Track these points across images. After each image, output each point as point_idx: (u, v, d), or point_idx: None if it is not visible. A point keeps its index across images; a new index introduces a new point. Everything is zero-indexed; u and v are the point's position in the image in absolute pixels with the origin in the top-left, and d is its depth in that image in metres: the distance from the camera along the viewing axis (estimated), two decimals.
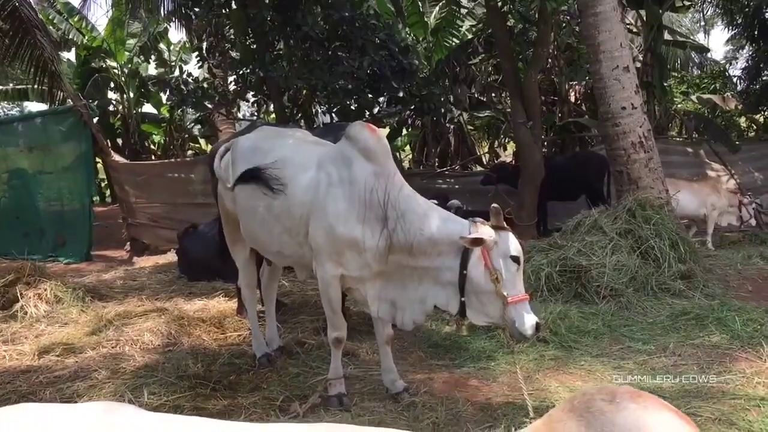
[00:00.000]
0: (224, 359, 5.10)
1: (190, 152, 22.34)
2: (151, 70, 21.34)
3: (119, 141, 20.64)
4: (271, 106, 11.58)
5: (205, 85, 10.55)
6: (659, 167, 7.71)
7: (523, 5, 11.12)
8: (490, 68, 14.86)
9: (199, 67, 11.81)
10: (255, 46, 10.22)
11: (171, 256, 9.82)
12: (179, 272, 8.37)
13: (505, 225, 3.78)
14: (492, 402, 4.19)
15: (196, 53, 11.28)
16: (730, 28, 16.15)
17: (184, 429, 1.29)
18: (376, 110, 10.84)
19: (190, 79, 10.07)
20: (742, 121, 17.35)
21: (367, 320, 4.92)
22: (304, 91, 10.68)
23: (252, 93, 10.97)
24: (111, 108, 20.80)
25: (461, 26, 15.26)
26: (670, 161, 10.95)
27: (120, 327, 5.96)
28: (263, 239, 4.50)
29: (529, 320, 3.66)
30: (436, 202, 5.24)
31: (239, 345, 5.56)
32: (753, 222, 9.60)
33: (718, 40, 68.57)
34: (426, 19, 15.36)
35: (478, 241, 3.64)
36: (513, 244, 3.72)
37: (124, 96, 20.06)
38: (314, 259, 4.09)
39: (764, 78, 14.80)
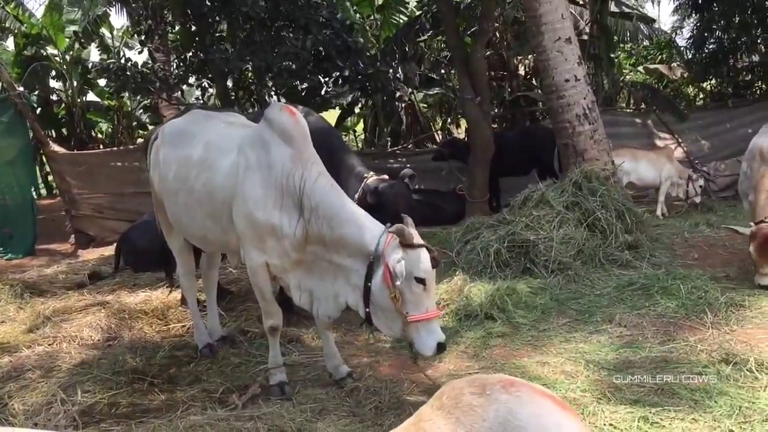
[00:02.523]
0: (165, 352, 4.98)
1: (140, 140, 21.73)
2: (95, 56, 20.64)
3: (64, 131, 19.98)
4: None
5: (146, 69, 10.20)
6: (604, 138, 7.70)
7: None
8: (441, 45, 14.71)
9: (140, 53, 11.45)
10: (195, 28, 9.93)
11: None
12: (123, 263, 8.13)
13: (418, 242, 3.57)
14: (436, 383, 4.12)
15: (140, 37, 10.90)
16: None
17: None
18: (323, 91, 10.62)
19: (128, 64, 9.71)
20: (690, 90, 17.50)
21: None
22: (249, 74, 10.44)
23: (195, 77, 10.65)
24: (54, 97, 20.11)
25: (408, 2, 15.03)
26: (619, 132, 10.98)
27: (58, 323, 5.79)
28: (187, 224, 4.39)
29: (428, 342, 3.55)
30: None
31: (182, 336, 5.43)
32: (698, 200, 9.65)
33: (665, 11, 69.46)
34: None
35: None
36: (421, 264, 3.51)
37: (67, 84, 19.39)
38: (240, 247, 3.98)
39: (710, 47, 14.90)
